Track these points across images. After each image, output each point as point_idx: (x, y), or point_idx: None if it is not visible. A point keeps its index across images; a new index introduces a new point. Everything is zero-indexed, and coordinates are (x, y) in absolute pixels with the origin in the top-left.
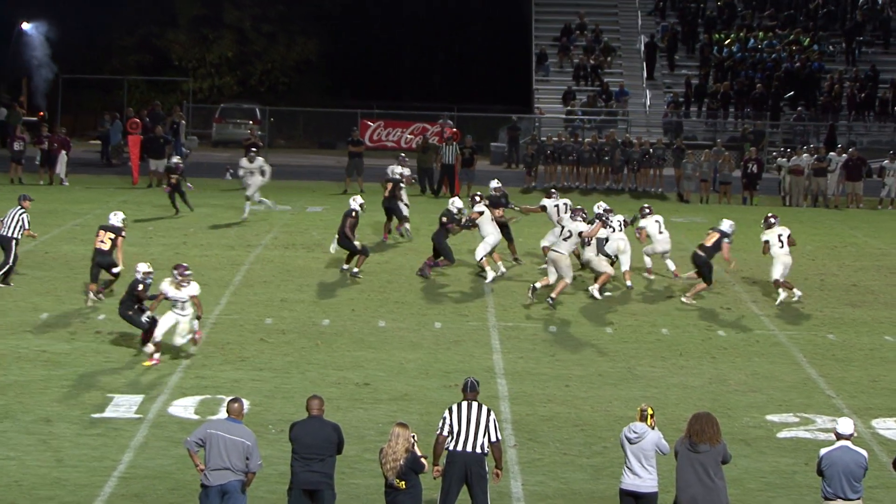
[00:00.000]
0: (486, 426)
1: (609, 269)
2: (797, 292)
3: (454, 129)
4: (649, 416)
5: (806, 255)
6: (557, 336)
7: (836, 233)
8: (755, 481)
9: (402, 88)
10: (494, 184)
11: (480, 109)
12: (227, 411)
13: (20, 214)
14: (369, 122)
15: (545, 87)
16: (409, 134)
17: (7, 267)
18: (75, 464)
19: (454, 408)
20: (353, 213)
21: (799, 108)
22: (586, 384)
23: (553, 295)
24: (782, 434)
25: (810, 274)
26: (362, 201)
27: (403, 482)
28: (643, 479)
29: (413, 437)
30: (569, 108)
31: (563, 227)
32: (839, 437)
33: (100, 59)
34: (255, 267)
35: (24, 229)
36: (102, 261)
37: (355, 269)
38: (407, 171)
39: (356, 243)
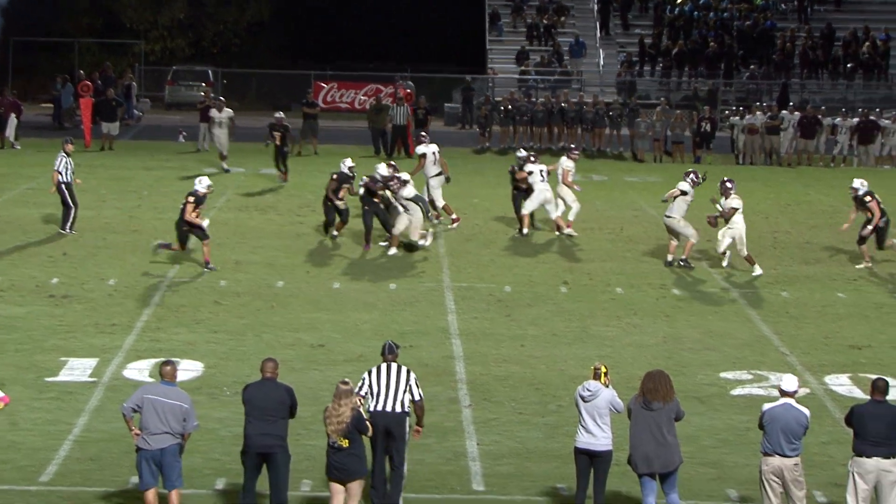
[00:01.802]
0: (408, 386)
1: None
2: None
3: (408, 91)
4: (603, 375)
5: (759, 213)
6: (512, 296)
7: (789, 191)
8: (709, 438)
9: (356, 50)
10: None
11: (434, 70)
12: (161, 374)
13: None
14: (323, 84)
15: (499, 47)
16: (363, 95)
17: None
18: (30, 427)
19: (373, 370)
20: (333, 176)
21: (752, 67)
22: (541, 344)
23: (684, 256)
24: (736, 391)
25: (764, 232)
26: (352, 164)
27: (346, 441)
28: (597, 437)
29: (359, 397)
30: (522, 68)
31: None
32: (783, 393)
33: (51, 22)
34: (209, 229)
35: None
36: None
37: (335, 233)
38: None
39: (339, 203)
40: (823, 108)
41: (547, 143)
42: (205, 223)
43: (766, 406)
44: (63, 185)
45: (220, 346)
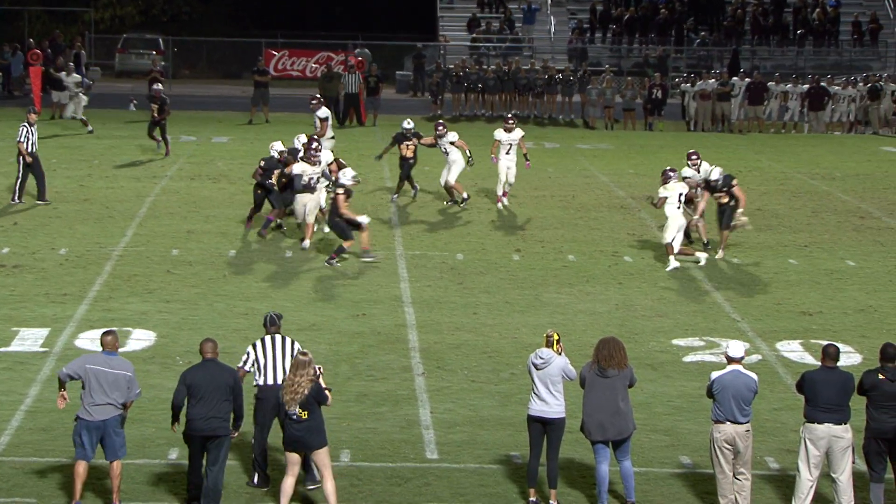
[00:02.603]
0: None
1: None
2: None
3: (359, 59)
4: (555, 342)
5: None
6: (465, 264)
7: (740, 157)
8: (662, 405)
9: (307, 17)
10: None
11: (385, 38)
12: (102, 344)
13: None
14: (274, 52)
15: (450, 14)
16: (315, 63)
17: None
18: None
19: (258, 343)
20: (261, 163)
21: (703, 34)
22: (494, 311)
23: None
24: (688, 358)
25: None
26: (282, 149)
27: (305, 412)
28: (550, 405)
29: (319, 368)
30: (474, 35)
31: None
32: (730, 360)
33: None
34: (160, 199)
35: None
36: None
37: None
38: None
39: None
40: (777, 74)
41: (500, 110)
42: (362, 218)
43: (715, 374)
44: (26, 156)
45: (173, 316)
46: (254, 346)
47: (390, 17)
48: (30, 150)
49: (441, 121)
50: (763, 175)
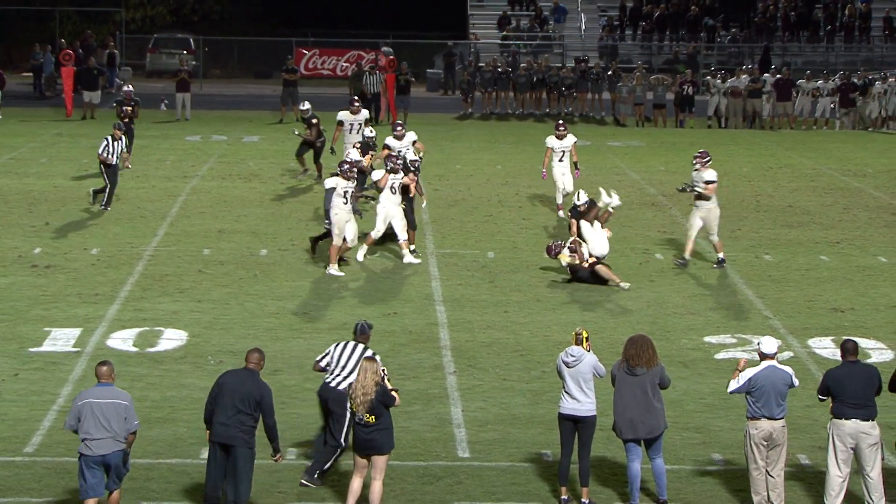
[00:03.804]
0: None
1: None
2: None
3: (390, 57)
4: (584, 340)
5: (742, 176)
6: (496, 262)
7: (771, 154)
8: (693, 402)
9: (337, 16)
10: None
11: (416, 36)
12: (97, 376)
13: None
14: (304, 51)
15: (480, 12)
16: (345, 62)
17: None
18: (14, 398)
19: (340, 345)
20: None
21: (733, 30)
22: (525, 310)
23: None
24: (720, 355)
25: (746, 196)
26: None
27: (373, 416)
28: (582, 402)
29: (383, 370)
30: (504, 33)
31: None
32: (763, 356)
33: None
34: (191, 198)
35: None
36: None
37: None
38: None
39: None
40: (808, 71)
41: (533, 108)
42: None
43: (750, 372)
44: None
45: (204, 315)
46: (335, 346)
47: (421, 15)
48: (112, 161)
49: (399, 121)
50: (794, 172)
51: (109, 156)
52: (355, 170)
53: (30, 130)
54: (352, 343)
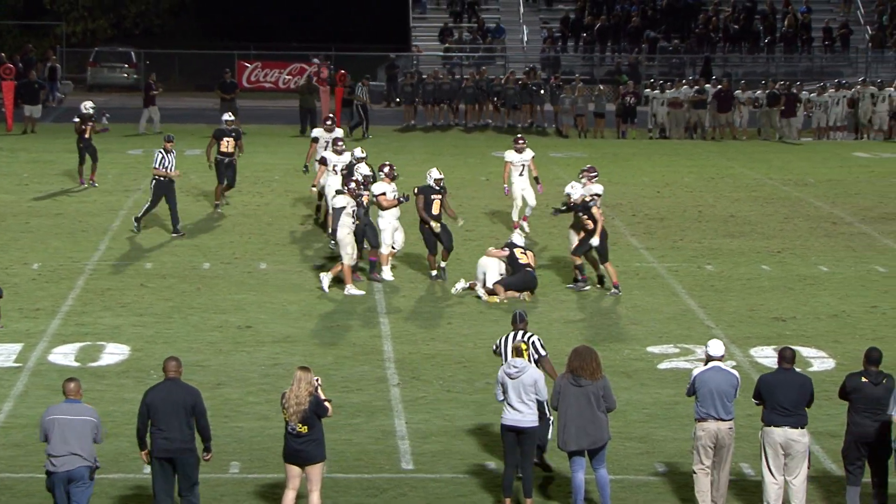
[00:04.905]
0: (530, 347)
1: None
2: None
3: (342, 71)
4: (524, 351)
5: (684, 186)
6: (439, 275)
7: (712, 164)
8: (637, 413)
9: (279, 29)
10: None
11: (358, 48)
12: (64, 392)
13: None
14: (246, 64)
15: (422, 24)
16: (287, 74)
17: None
18: None
19: (506, 336)
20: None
21: (675, 41)
22: (468, 321)
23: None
24: (663, 365)
25: (688, 206)
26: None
27: (306, 427)
28: (524, 414)
29: (317, 380)
30: (447, 45)
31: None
32: (710, 358)
33: None
34: (133, 212)
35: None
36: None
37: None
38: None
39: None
40: (742, 81)
41: (476, 120)
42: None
43: (697, 370)
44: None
45: (147, 329)
46: (505, 338)
47: (363, 27)
48: (172, 175)
49: (340, 138)
50: (736, 182)
51: (166, 169)
52: (362, 188)
53: None
54: (513, 333)
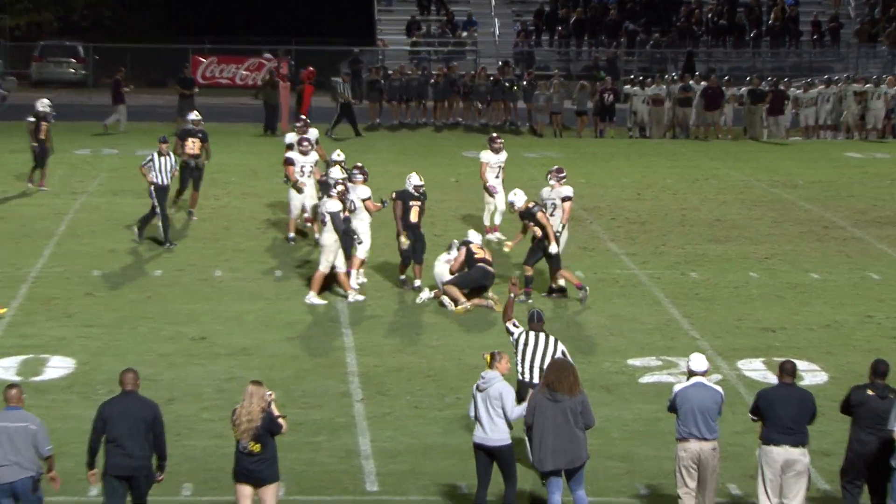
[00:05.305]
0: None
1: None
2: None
3: (310, 69)
4: (489, 361)
5: (666, 188)
6: (407, 282)
7: (696, 164)
8: (617, 430)
9: (237, 23)
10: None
11: (320, 43)
12: (5, 399)
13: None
14: (201, 59)
15: (388, 17)
16: (245, 70)
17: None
18: None
19: (524, 334)
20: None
21: (655, 35)
22: (437, 332)
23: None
24: (644, 379)
25: (671, 209)
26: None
27: (259, 445)
28: (490, 430)
29: (270, 394)
30: (414, 39)
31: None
32: (692, 374)
33: None
34: (80, 216)
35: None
36: None
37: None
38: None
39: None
40: (727, 77)
41: (445, 118)
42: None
43: (677, 387)
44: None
45: (94, 342)
46: (519, 337)
47: (325, 20)
48: (159, 181)
49: (306, 137)
50: (721, 183)
51: (157, 174)
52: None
53: None
54: (532, 333)
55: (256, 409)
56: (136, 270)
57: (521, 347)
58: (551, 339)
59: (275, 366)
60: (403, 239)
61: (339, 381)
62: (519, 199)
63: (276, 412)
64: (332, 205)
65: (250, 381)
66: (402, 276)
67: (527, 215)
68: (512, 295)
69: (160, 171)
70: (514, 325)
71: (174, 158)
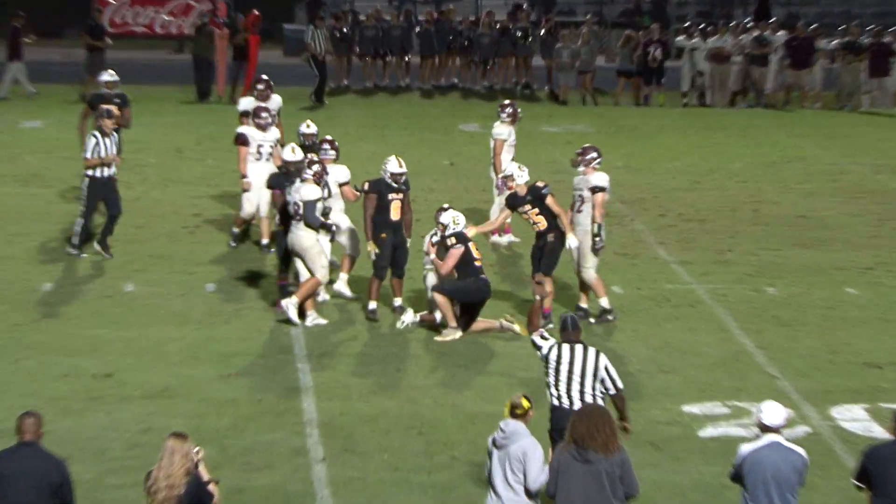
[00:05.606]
0: (598, 374)
1: None
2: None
3: (255, 13)
4: (521, 412)
5: (734, 175)
6: (381, 298)
7: (774, 143)
8: (669, 499)
9: None
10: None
11: None
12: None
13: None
14: (109, 0)
15: None
16: (167, 15)
17: None
18: None
19: (554, 350)
20: None
21: None
22: (427, 367)
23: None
24: (706, 432)
25: (740, 202)
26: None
27: None
28: (505, 502)
29: (197, 451)
30: None
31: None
32: (765, 429)
33: None
34: None
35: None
36: None
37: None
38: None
39: None
40: (814, 25)
41: (437, 79)
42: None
43: (745, 448)
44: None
45: None
46: (550, 352)
47: None
48: (100, 173)
49: (264, 107)
50: (807, 168)
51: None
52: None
53: None
54: (567, 346)
55: (179, 472)
56: (20, 284)
57: (553, 365)
58: (591, 351)
59: (206, 413)
60: (372, 246)
61: (292, 433)
62: (523, 176)
63: (205, 476)
64: (309, 191)
65: (171, 434)
66: (372, 304)
67: (532, 198)
68: (538, 297)
69: (98, 156)
70: (543, 336)
71: (117, 138)
